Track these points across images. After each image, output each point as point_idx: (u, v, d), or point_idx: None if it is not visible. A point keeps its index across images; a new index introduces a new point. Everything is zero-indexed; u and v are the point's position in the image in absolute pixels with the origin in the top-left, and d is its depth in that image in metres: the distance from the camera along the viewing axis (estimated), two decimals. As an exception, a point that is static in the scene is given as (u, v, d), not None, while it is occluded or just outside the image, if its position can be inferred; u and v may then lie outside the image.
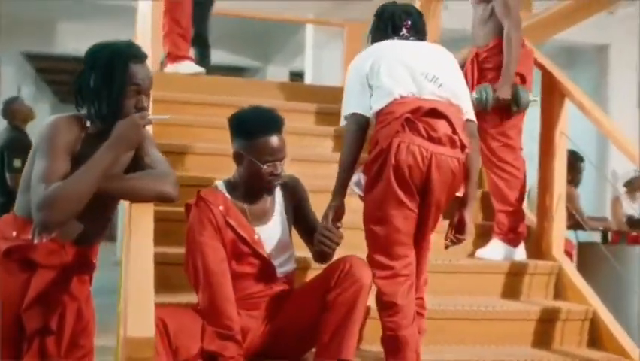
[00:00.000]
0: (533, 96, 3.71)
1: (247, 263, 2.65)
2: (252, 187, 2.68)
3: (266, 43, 10.99)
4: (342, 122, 2.79)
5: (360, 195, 2.77)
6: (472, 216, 2.90)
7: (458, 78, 2.80)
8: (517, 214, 3.72)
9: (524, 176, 3.75)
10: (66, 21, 9.76)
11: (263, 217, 2.71)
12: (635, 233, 5.59)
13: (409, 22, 2.86)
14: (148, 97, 2.25)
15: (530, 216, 4.02)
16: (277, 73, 11.09)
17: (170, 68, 4.87)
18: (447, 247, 2.86)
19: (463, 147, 2.66)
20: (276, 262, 2.70)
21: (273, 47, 11.08)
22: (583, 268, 4.38)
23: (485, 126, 3.63)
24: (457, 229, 2.82)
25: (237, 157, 2.67)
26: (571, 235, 5.52)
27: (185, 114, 4.26)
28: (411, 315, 2.64)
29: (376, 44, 2.85)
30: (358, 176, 2.74)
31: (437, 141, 2.59)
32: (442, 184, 2.60)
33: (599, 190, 8.39)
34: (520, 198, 3.74)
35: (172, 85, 4.64)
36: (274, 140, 2.61)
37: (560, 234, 3.81)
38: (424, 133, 2.58)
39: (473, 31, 3.89)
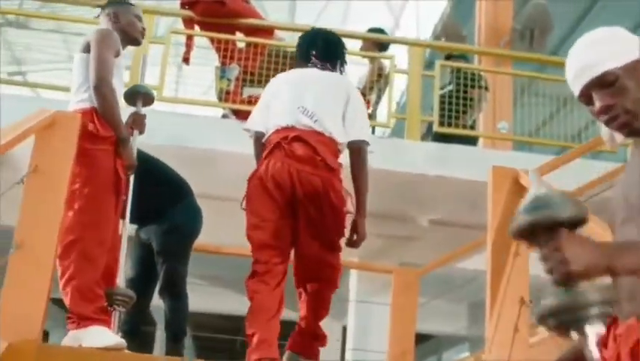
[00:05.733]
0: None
1: None
2: None
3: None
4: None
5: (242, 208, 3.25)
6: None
7: (337, 114, 3.25)
8: None
9: None
10: None
11: None
12: None
13: (316, 52, 3.42)
14: None
15: None
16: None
17: (71, 337, 2.79)
18: (346, 244, 3.29)
19: (329, 168, 3.14)
20: None
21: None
22: None
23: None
24: (352, 229, 3.29)
25: None
26: None
27: None
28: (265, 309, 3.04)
29: (282, 74, 3.60)
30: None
31: (297, 159, 3.13)
32: (304, 195, 3.08)
33: None
34: None
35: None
36: None
37: None
38: (289, 154, 3.14)
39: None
